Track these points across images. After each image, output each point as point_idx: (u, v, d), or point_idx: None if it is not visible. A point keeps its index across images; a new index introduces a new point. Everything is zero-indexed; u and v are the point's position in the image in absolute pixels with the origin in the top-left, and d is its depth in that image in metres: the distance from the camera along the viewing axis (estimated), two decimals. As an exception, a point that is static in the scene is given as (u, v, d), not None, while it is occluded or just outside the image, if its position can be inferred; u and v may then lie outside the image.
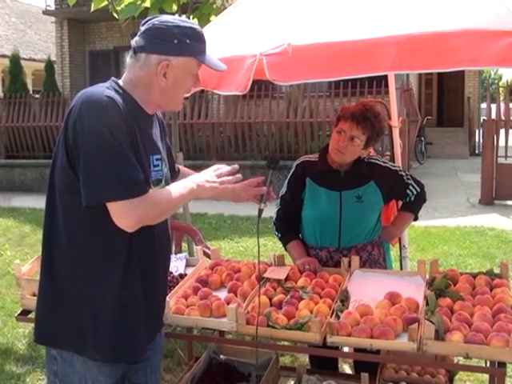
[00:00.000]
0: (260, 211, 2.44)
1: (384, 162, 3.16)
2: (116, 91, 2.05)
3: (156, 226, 2.13)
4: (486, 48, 2.14)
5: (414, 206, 3.24)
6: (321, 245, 3.11)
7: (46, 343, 2.18)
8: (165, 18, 2.09)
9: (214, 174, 2.18)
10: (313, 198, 3.08)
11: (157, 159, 2.17)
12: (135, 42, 2.08)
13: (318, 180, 3.08)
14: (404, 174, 3.18)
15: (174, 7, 5.43)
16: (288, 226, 3.18)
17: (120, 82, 2.13)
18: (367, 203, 3.03)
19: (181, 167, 2.63)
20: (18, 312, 2.95)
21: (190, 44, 2.06)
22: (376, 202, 3.08)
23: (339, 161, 3.02)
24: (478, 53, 2.16)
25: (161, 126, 2.32)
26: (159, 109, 2.26)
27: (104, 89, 2.02)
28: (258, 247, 2.51)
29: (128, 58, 2.12)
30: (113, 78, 2.16)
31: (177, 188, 2.07)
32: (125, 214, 1.94)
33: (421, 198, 3.22)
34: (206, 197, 2.17)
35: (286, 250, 3.23)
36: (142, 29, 2.08)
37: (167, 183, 2.24)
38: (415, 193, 3.18)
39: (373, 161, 3.12)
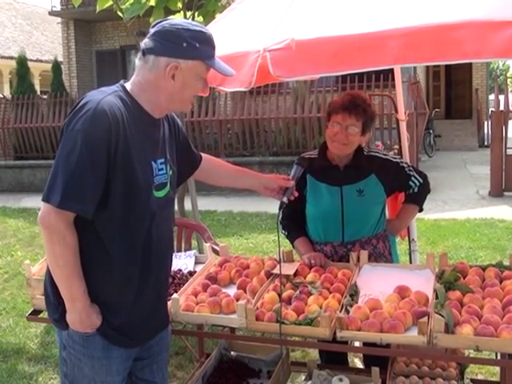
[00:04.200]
0: (282, 204, 2.61)
1: (384, 155, 3.15)
2: (119, 97, 2.08)
3: (154, 228, 2.17)
4: (491, 39, 2.12)
5: (417, 197, 3.21)
6: (325, 240, 3.12)
7: (56, 324, 2.22)
8: (175, 21, 2.11)
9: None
10: (314, 194, 3.08)
11: (161, 163, 2.20)
12: (144, 43, 2.10)
13: (319, 176, 3.08)
14: (405, 165, 3.17)
15: (179, 5, 5.43)
16: (294, 224, 3.18)
17: (128, 85, 2.16)
18: (369, 196, 3.02)
19: (206, 156, 2.64)
20: (29, 312, 2.97)
21: (200, 48, 2.08)
22: (378, 194, 3.07)
23: (341, 153, 3.02)
24: (482, 44, 2.14)
25: (171, 125, 2.34)
26: (167, 111, 2.28)
27: (105, 95, 2.05)
28: (278, 238, 2.64)
29: (137, 60, 2.14)
30: (121, 81, 2.19)
31: (70, 270, 2.02)
32: (47, 216, 1.97)
33: (424, 189, 3.20)
34: (70, 310, 2.09)
35: (293, 247, 3.23)
36: (152, 31, 2.10)
37: (172, 186, 2.28)
38: (418, 184, 3.15)
39: (373, 153, 3.12)
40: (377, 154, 3.12)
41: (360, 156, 3.06)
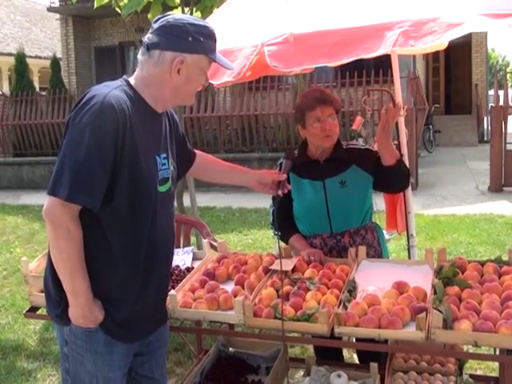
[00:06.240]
0: (276, 198, 2.67)
1: (363, 145, 3.21)
2: (124, 91, 2.08)
3: (157, 223, 2.17)
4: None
5: None
6: (314, 233, 3.15)
7: (58, 320, 2.20)
8: (178, 15, 2.13)
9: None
10: (298, 191, 3.12)
11: (164, 158, 2.21)
12: (148, 38, 2.10)
13: (300, 172, 3.12)
14: None
15: (177, 0, 5.42)
16: (286, 223, 3.19)
17: (132, 79, 2.16)
18: (352, 187, 3.05)
19: (200, 153, 2.65)
20: (27, 309, 2.97)
21: (204, 42, 2.10)
22: (362, 184, 3.09)
23: (329, 145, 3.06)
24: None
25: (170, 121, 2.34)
26: (171, 105, 2.29)
27: (111, 89, 2.05)
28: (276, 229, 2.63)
29: (140, 55, 2.14)
30: (124, 76, 2.19)
31: (74, 264, 2.01)
32: (53, 209, 1.96)
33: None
34: (73, 305, 2.08)
35: (287, 245, 3.22)
36: (156, 26, 2.10)
37: (173, 182, 2.28)
38: None
39: (351, 146, 3.17)
40: (355, 146, 3.18)
41: (339, 149, 3.11)
